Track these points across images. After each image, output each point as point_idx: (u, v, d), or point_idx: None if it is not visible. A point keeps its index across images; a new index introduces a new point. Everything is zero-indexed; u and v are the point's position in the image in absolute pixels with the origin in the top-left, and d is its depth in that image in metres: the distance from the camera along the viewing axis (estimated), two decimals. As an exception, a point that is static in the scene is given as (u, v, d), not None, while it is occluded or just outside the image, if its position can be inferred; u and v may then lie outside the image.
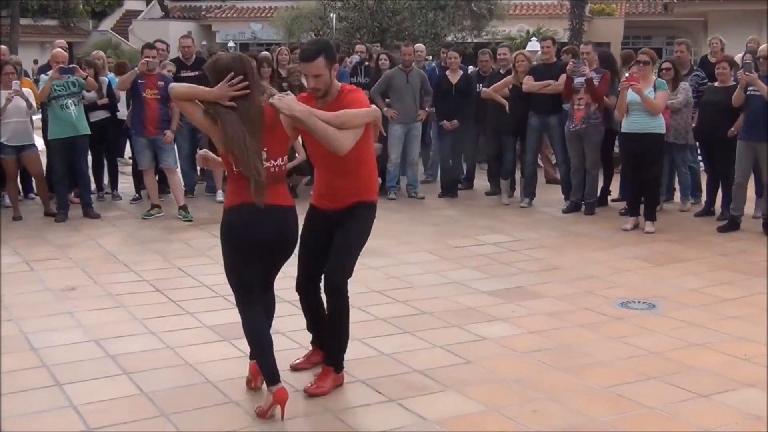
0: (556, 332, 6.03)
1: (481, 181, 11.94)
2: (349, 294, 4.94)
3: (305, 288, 5.12)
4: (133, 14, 43.64)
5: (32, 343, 5.70)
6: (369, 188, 4.97)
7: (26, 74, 12.12)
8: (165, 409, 4.67)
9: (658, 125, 9.04)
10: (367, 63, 12.15)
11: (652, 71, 9.29)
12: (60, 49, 10.15)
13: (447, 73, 11.33)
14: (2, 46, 11.57)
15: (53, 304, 6.65)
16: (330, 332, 5.03)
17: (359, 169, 4.82)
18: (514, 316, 6.39)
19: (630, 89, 8.86)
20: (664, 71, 9.60)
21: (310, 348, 5.38)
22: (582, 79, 9.73)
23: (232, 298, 6.57)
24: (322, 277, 4.94)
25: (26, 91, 9.78)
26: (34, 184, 10.63)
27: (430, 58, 18.50)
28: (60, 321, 6.21)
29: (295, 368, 5.24)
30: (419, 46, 12.77)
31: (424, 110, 11.19)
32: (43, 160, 10.21)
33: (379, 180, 11.54)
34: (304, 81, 11.26)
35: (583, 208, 10.20)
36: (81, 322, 6.17)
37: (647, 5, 38.37)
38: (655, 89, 8.98)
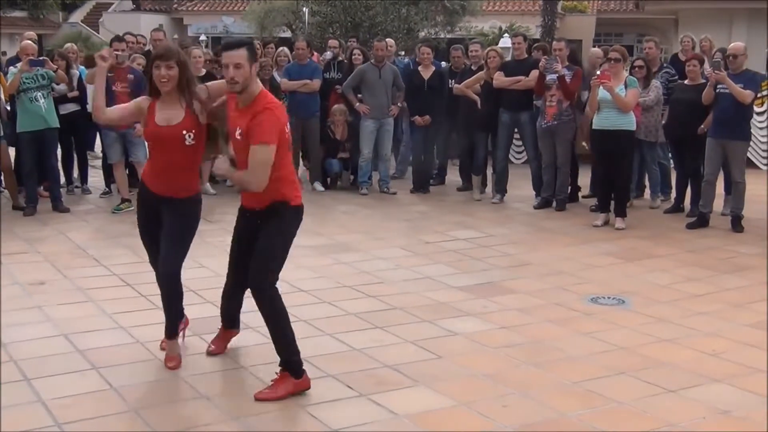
0: (527, 327, 6.06)
1: (453, 177, 11.97)
2: (279, 293, 4.86)
3: None
4: (103, 6, 43.20)
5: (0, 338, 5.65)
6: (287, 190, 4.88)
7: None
8: (134, 404, 4.64)
9: (629, 122, 9.10)
10: (340, 58, 12.12)
11: (623, 68, 9.34)
12: (29, 41, 10.03)
13: (419, 68, 11.34)
14: None
15: (22, 298, 6.58)
16: (272, 337, 4.89)
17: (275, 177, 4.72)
18: (485, 311, 6.41)
19: (601, 86, 8.91)
20: (636, 69, 9.67)
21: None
22: (554, 76, 9.77)
23: (204, 293, 6.61)
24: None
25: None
26: (2, 177, 10.51)
27: (402, 53, 18.51)
28: (29, 315, 6.15)
29: (211, 353, 5.39)
30: (390, 41, 12.76)
31: (396, 105, 11.19)
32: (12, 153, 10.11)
33: (351, 176, 11.60)
34: (276, 75, 11.28)
35: (554, 204, 10.25)
36: (50, 317, 6.11)
37: (618, 3, 38.59)
38: (626, 87, 9.04)
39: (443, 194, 11.41)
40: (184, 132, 4.92)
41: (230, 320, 5.43)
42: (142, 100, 5.12)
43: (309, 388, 4.83)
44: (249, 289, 4.93)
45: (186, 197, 5.11)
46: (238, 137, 4.72)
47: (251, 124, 4.60)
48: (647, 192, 10.71)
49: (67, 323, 5.96)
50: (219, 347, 5.45)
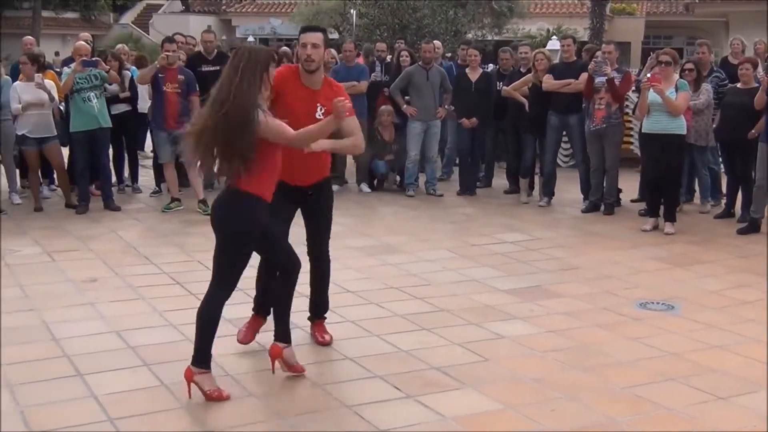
0: (575, 332, 6.03)
1: (500, 180, 11.93)
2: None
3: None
4: (153, 8, 43.79)
5: (54, 334, 5.75)
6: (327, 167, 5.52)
7: (50, 66, 12.21)
8: (184, 400, 4.70)
9: (679, 126, 9.01)
10: (388, 59, 12.15)
11: (673, 72, 9.25)
12: (83, 42, 10.21)
13: (467, 70, 11.32)
14: (29, 37, 11.65)
15: (74, 295, 6.70)
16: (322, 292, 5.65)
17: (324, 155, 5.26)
18: (532, 315, 6.39)
19: (651, 89, 8.83)
20: (686, 72, 9.57)
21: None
22: (603, 79, 9.71)
23: (251, 292, 6.65)
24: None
25: (48, 83, 9.86)
26: (55, 176, 10.69)
27: (449, 55, 18.48)
28: (81, 312, 6.26)
29: (241, 342, 5.55)
30: (437, 42, 12.77)
31: (444, 107, 11.19)
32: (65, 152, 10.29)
33: (398, 178, 11.63)
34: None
35: (602, 208, 10.18)
36: (102, 314, 6.21)
37: (668, 5, 38.20)
38: (676, 90, 8.95)
39: (490, 197, 11.39)
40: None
41: (261, 306, 5.59)
42: None
43: None
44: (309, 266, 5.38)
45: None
46: (320, 116, 5.01)
47: (331, 93, 5.10)
48: (697, 197, 10.58)
49: (119, 320, 6.05)
50: (248, 337, 5.56)
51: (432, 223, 9.64)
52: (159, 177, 10.96)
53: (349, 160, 11.90)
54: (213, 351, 4.81)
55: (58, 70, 11.51)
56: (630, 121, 11.97)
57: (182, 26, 29.85)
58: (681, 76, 9.42)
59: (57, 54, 26.50)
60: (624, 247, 8.62)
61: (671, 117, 8.92)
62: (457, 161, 12.07)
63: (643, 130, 9.25)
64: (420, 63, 11.12)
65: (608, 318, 6.35)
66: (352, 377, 5.11)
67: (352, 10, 26.60)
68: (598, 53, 10.26)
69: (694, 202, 10.60)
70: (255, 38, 37.97)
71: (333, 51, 12.24)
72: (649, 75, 9.10)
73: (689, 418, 4.61)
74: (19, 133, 9.68)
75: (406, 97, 11.16)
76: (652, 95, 8.91)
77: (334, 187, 11.03)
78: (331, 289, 5.84)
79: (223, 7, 43.22)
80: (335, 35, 28.29)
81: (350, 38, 14.76)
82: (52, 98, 9.74)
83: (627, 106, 11.14)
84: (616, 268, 7.79)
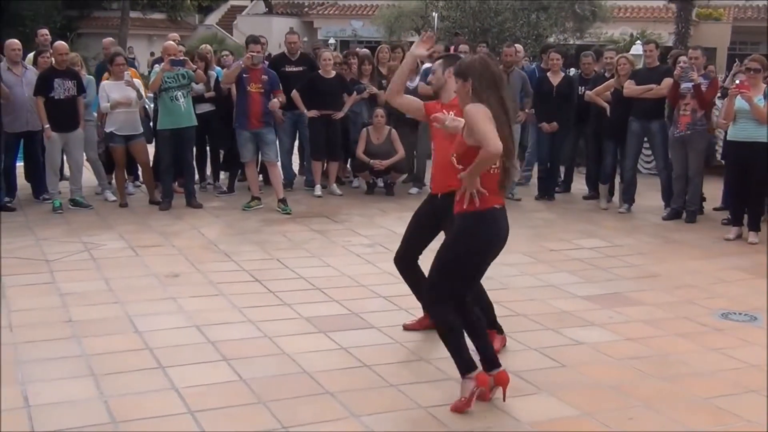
0: (654, 340, 5.94)
1: (579, 185, 11.81)
2: None
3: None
4: (237, 9, 44.53)
5: (137, 326, 5.89)
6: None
7: (133, 65, 12.49)
8: (262, 396, 4.78)
9: (766, 134, 8.81)
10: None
11: (762, 79, 9.04)
12: (172, 42, 10.43)
13: (548, 74, 11.23)
14: (110, 39, 11.93)
15: (157, 289, 6.86)
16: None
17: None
18: (611, 322, 6.32)
19: (739, 96, 8.65)
20: None
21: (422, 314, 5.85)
22: (690, 85, 9.53)
23: (329, 291, 6.74)
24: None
25: (136, 81, 10.10)
26: (140, 172, 10.93)
27: (531, 59, 18.36)
28: (164, 306, 6.41)
29: (406, 328, 5.91)
30: (518, 46, 12.69)
31: (524, 111, 11.13)
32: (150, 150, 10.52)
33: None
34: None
35: (684, 215, 10.01)
36: (183, 308, 6.35)
37: (756, 11, 37.32)
38: (765, 97, 8.75)
39: (568, 202, 11.28)
40: None
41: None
42: None
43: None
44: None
45: None
46: None
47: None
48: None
49: (199, 315, 6.18)
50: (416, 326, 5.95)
51: (510, 227, 9.57)
52: (232, 177, 11.17)
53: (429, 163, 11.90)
54: (286, 348, 4.83)
55: (149, 69, 11.77)
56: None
57: (265, 28, 30.32)
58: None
59: (152, 54, 27.17)
60: (706, 255, 8.46)
61: (758, 125, 8.72)
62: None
63: (728, 138, 9.07)
64: (501, 66, 11.05)
65: (689, 327, 6.24)
66: (427, 378, 5.12)
67: (434, 13, 26.61)
68: (683, 58, 10.09)
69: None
70: (336, 40, 38.31)
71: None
72: (737, 81, 8.90)
73: (771, 432, 4.51)
74: (107, 131, 9.93)
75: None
76: (739, 102, 8.73)
77: (414, 190, 11.18)
78: (406, 290, 5.92)
79: (306, 9, 43.68)
80: (416, 38, 28.32)
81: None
82: (140, 96, 9.97)
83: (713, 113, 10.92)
84: (697, 277, 7.66)
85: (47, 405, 4.59)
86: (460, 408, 4.61)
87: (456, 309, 4.71)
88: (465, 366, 4.66)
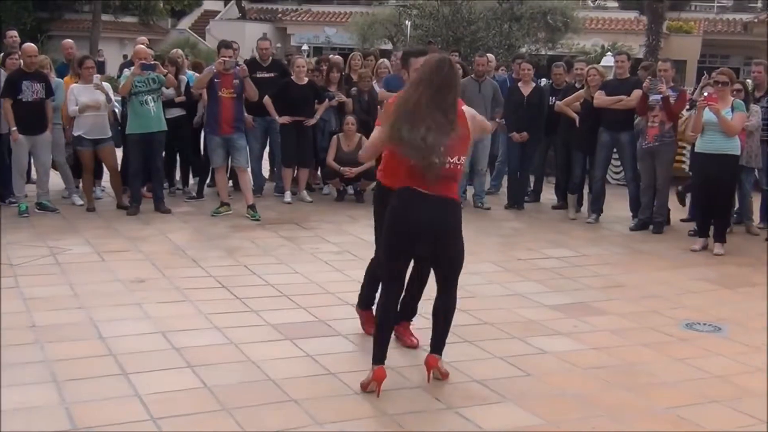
0: (619, 350, 5.98)
1: (548, 195, 11.87)
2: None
3: None
4: (211, 14, 44.38)
5: (101, 332, 5.84)
6: None
7: (102, 68, 12.37)
8: (227, 403, 4.75)
9: (734, 147, 8.90)
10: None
11: (729, 92, 9.12)
12: (143, 46, 10.36)
13: (519, 84, 11.27)
14: (67, 40, 11.74)
15: (123, 294, 6.80)
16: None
17: None
18: (577, 331, 6.35)
19: (707, 109, 8.73)
20: (734, 92, 9.40)
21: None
22: (658, 97, 9.61)
23: (296, 298, 6.71)
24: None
25: (105, 85, 10.02)
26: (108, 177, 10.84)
27: (503, 68, 18.41)
28: (129, 311, 6.35)
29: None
30: (490, 56, 12.72)
31: (495, 121, 11.16)
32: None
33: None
34: (375, 86, 11.39)
35: (651, 226, 10.08)
36: (149, 314, 6.30)
37: (726, 24, 37.75)
38: (732, 110, 8.84)
39: (538, 211, 11.34)
40: None
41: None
42: None
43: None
44: None
45: None
46: None
47: None
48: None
49: (165, 321, 6.13)
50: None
51: (479, 236, 9.60)
52: (202, 182, 11.13)
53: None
54: (252, 355, 4.80)
55: (119, 74, 11.67)
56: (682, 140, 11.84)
57: (238, 33, 30.26)
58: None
59: (125, 57, 26.98)
60: (672, 266, 8.53)
61: (725, 137, 8.82)
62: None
63: (696, 150, 9.15)
64: (472, 75, 11.11)
65: (653, 337, 6.28)
66: (392, 387, 5.09)
67: (407, 21, 26.69)
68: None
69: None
70: (309, 46, 38.30)
71: (387, 62, 12.28)
72: (705, 94, 8.98)
73: (733, 442, 4.55)
74: (76, 134, 9.85)
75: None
76: (707, 114, 8.81)
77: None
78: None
79: (279, 15, 43.65)
80: (389, 45, 28.40)
81: (403, 49, 14.75)
82: (109, 99, 9.90)
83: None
84: (663, 287, 7.71)
85: (8, 411, 4.53)
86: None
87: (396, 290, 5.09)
88: (373, 356, 4.98)
